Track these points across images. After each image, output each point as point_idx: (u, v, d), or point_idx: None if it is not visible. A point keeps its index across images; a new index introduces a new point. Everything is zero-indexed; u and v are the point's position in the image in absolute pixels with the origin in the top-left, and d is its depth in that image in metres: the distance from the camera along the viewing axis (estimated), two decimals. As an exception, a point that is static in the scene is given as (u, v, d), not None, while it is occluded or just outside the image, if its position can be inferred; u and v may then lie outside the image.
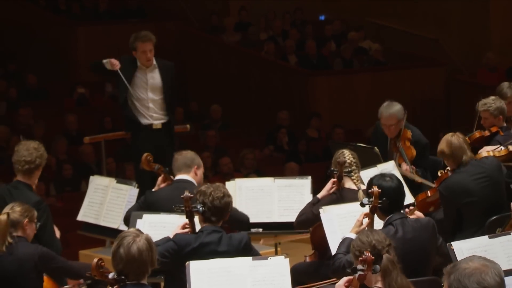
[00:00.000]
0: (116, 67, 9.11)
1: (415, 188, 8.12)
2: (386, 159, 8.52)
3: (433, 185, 7.79)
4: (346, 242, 6.05)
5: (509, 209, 7.14)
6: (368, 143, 9.31)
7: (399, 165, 8.43)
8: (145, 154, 7.72)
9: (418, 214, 7.49)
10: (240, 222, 7.13)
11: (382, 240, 5.14)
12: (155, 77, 9.26)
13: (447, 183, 7.35)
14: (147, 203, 7.22)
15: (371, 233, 5.22)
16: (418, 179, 8.34)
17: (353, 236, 5.92)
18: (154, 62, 9.27)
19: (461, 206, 7.21)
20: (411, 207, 7.53)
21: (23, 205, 6.40)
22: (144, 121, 9.24)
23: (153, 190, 7.44)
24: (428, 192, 7.77)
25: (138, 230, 5.12)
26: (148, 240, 4.97)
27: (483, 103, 8.55)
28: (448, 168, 7.44)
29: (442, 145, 7.38)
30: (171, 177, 7.38)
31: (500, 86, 9.02)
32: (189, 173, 7.19)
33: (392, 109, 8.60)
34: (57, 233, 7.18)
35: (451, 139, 7.33)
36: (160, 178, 7.44)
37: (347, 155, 7.20)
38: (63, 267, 6.46)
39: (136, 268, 4.89)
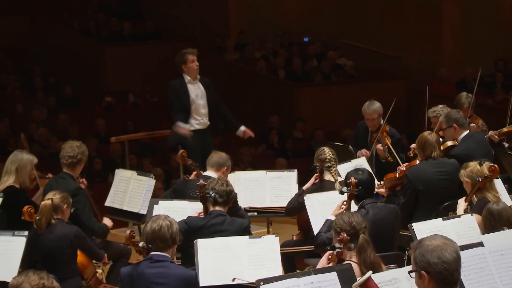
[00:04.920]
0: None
1: (384, 172, 8.06)
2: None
3: (403, 166, 7.69)
4: (327, 223, 6.04)
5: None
6: (344, 143, 9.26)
7: (375, 151, 8.39)
8: (180, 151, 7.71)
9: (381, 190, 7.43)
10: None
11: (360, 222, 5.13)
12: (200, 87, 9.03)
13: (413, 168, 7.24)
14: (177, 190, 7.23)
15: (352, 215, 5.21)
16: (390, 158, 8.27)
17: (333, 218, 5.89)
18: (198, 75, 9.00)
19: (418, 191, 7.09)
20: (378, 183, 7.47)
21: (62, 192, 6.39)
22: (196, 126, 8.97)
23: (184, 179, 7.45)
24: (397, 173, 7.64)
25: (166, 215, 5.26)
26: (170, 221, 5.17)
27: (432, 110, 8.47)
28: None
29: (419, 139, 7.24)
30: (201, 172, 7.31)
31: (459, 95, 8.84)
32: (218, 171, 7.07)
33: (374, 106, 8.57)
34: (109, 223, 7.14)
35: (427, 136, 7.21)
36: (193, 174, 7.42)
37: (327, 152, 7.17)
38: (88, 248, 6.45)
39: (159, 241, 5.08)
